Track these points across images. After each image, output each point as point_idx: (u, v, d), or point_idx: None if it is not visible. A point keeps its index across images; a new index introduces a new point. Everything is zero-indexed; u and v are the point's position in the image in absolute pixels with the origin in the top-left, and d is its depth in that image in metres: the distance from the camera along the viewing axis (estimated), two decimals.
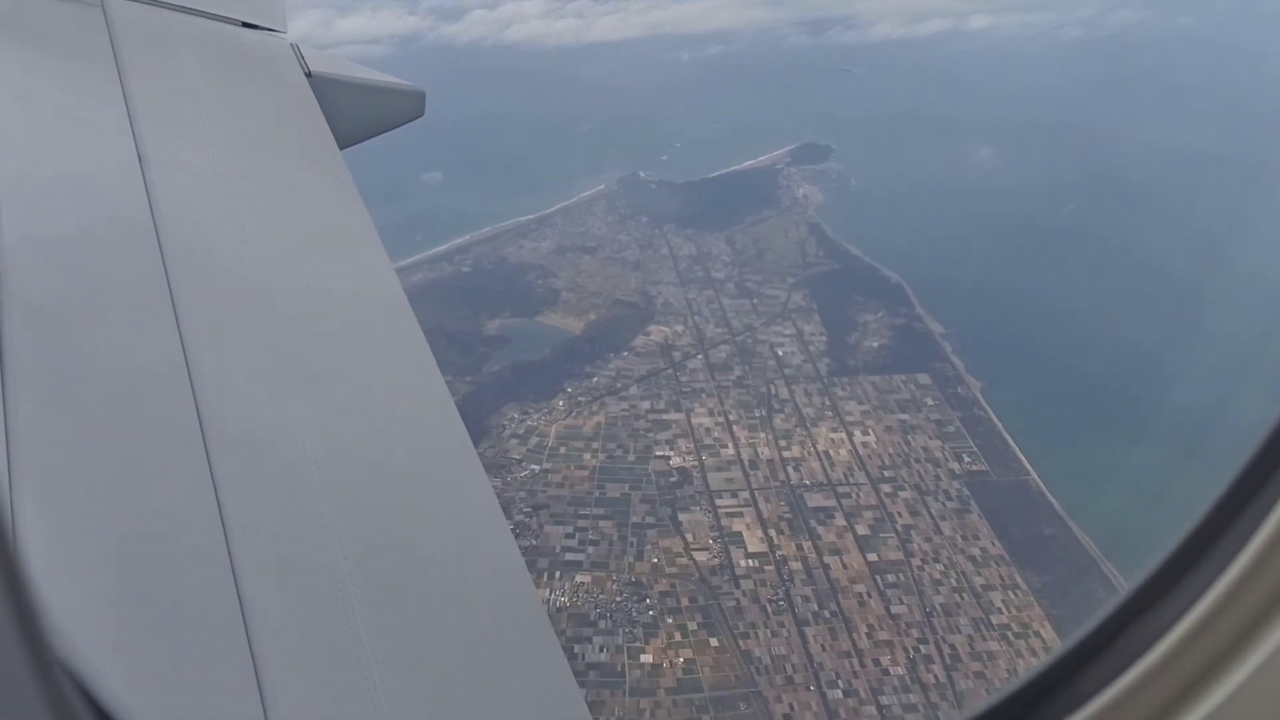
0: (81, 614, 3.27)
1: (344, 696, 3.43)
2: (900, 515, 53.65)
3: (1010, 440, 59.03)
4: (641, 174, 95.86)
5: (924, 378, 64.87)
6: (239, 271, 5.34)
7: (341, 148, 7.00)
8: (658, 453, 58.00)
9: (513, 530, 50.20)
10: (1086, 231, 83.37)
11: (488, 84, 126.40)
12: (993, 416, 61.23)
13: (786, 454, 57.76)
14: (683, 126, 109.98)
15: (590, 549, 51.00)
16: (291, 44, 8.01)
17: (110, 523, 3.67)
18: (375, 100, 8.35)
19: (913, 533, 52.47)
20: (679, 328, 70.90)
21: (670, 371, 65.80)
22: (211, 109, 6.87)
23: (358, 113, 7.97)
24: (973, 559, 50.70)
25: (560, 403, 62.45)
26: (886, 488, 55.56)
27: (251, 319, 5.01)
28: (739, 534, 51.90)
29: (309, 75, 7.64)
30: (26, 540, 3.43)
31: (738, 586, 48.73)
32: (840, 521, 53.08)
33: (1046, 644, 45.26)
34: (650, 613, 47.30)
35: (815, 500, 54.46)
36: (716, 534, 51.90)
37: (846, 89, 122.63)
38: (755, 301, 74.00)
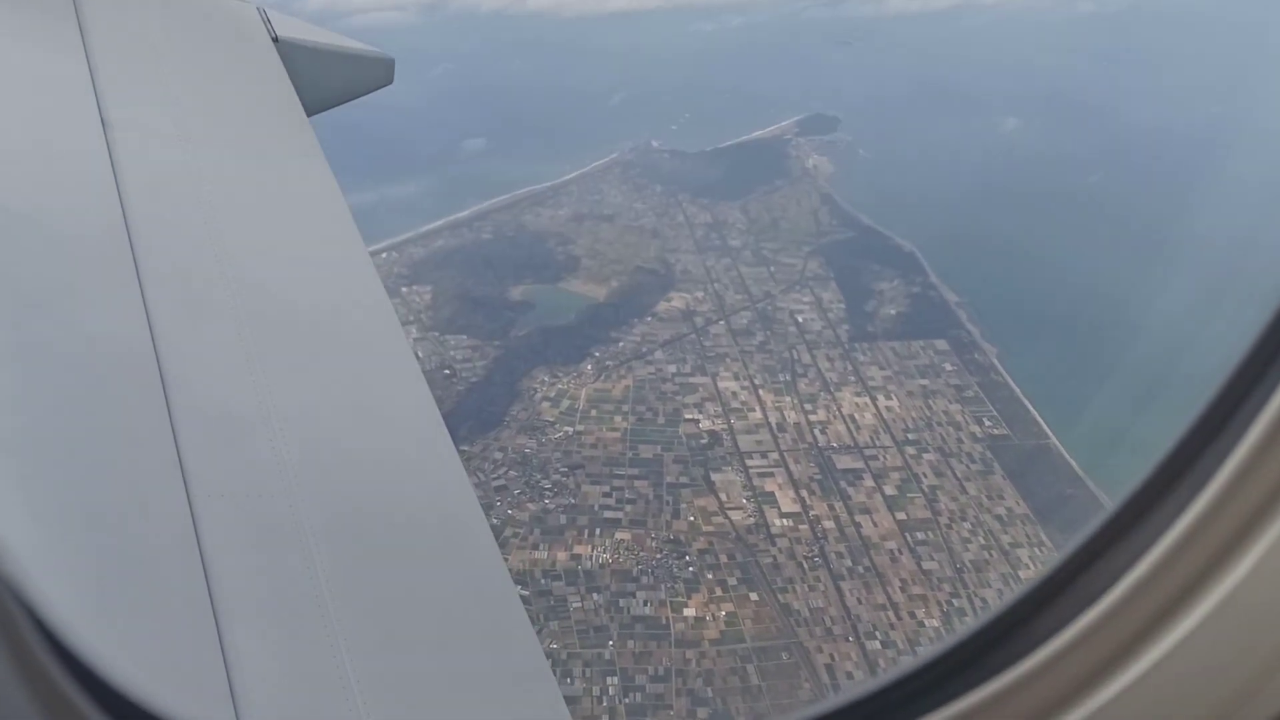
0: (47, 583, 3.03)
1: (308, 661, 3.48)
2: (926, 476, 55.23)
3: (1029, 405, 60.55)
4: (654, 143, 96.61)
5: (942, 344, 66.30)
6: (204, 238, 5.30)
7: (310, 114, 6.97)
8: (687, 415, 59.26)
9: (550, 489, 51.98)
10: (1108, 202, 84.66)
11: (518, 52, 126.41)
12: (1010, 382, 62.72)
13: (813, 417, 59.15)
14: (693, 97, 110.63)
15: (628, 507, 52.32)
16: (258, 8, 7.85)
17: (73, 490, 3.68)
18: (343, 66, 8.24)
19: (939, 493, 54.06)
20: (699, 294, 72.01)
21: (694, 337, 66.98)
22: (176, 72, 6.81)
23: (326, 79, 7.83)
24: (999, 518, 52.37)
25: (588, 367, 63.56)
26: (911, 450, 57.08)
27: (216, 286, 5.02)
28: (771, 494, 53.34)
29: (275, 40, 7.50)
30: None
31: (773, 544, 50.20)
32: (869, 482, 54.60)
33: None
34: (690, 568, 48.71)
35: (843, 462, 55.93)
36: (749, 494, 53.31)
37: (857, 61, 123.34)
38: (772, 269, 75.14)
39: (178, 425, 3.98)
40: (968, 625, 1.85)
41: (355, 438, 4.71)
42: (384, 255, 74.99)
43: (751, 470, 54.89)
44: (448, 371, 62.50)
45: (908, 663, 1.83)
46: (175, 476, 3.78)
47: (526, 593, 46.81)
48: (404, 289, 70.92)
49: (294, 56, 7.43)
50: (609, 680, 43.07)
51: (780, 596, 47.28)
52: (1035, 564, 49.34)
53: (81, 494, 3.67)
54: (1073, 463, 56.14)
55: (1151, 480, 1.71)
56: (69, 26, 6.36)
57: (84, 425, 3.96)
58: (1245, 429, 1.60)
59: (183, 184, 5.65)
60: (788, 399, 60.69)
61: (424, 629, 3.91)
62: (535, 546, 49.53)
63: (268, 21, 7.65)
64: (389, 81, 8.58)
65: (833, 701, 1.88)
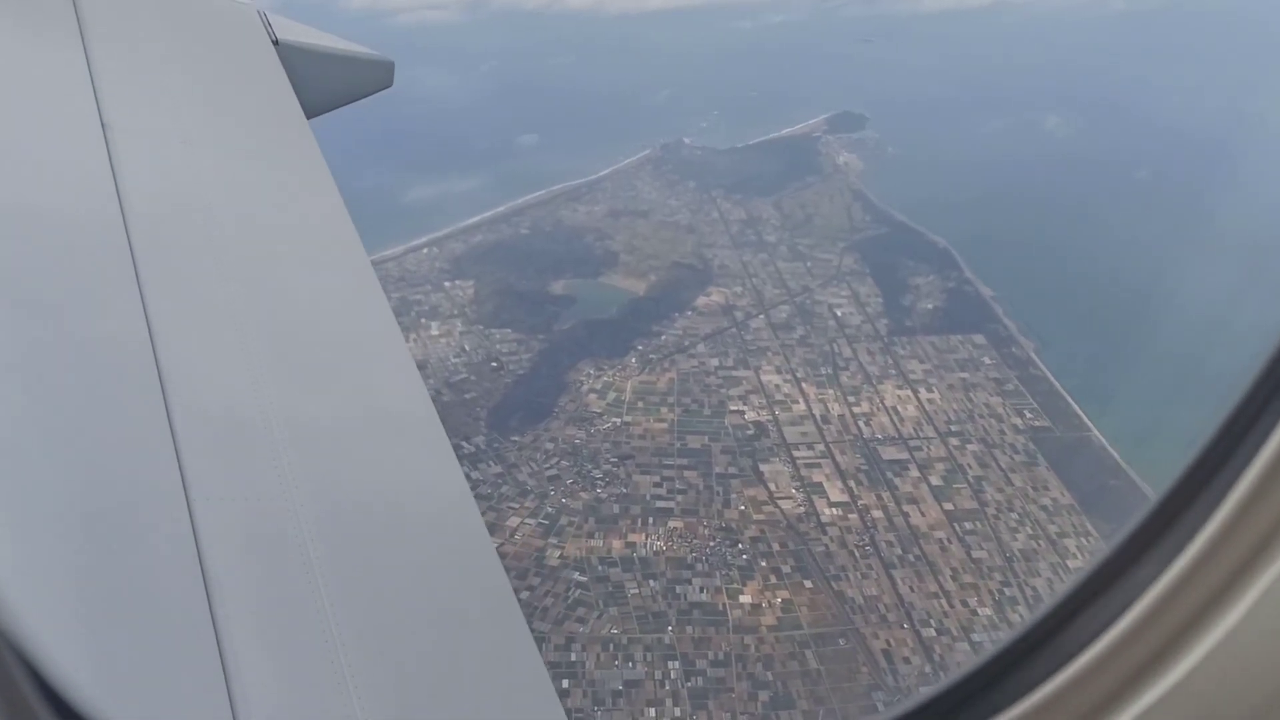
0: (45, 587, 3.34)
1: (307, 667, 3.49)
2: (971, 467, 55.99)
3: (1068, 397, 61.27)
4: (686, 140, 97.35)
5: (979, 338, 67.05)
6: (203, 241, 5.30)
7: (309, 116, 6.96)
8: (732, 408, 60.04)
9: (602, 479, 52.78)
10: (1152, 197, 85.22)
11: (560, 50, 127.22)
12: (1049, 375, 63.44)
13: (856, 409, 59.94)
14: (723, 94, 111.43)
15: (679, 497, 53.09)
16: (258, 11, 7.80)
17: (72, 494, 3.68)
18: (343, 69, 8.18)
19: (984, 483, 54.82)
20: (738, 289, 72.78)
21: (734, 330, 67.75)
22: (177, 74, 6.81)
23: (325, 81, 7.79)
24: (1045, 508, 53.09)
25: (633, 359, 64.34)
26: (955, 441, 57.87)
27: (215, 289, 5.01)
28: (819, 484, 54.12)
29: (276, 43, 7.47)
30: None
31: (824, 533, 50.97)
32: (914, 473, 55.37)
33: None
34: (744, 556, 49.47)
35: (889, 453, 56.70)
36: (798, 483, 54.07)
37: (887, 58, 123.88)
38: (809, 265, 75.92)
39: (177, 429, 4.00)
40: (997, 641, 1.91)
41: (354, 441, 4.75)
42: (425, 250, 75.97)
43: (798, 461, 55.67)
44: (495, 364, 63.34)
45: (940, 681, 1.89)
46: (175, 480, 3.80)
47: (584, 579, 47.66)
48: (446, 283, 71.83)
49: (294, 59, 7.42)
50: (670, 665, 43.77)
51: (834, 584, 47.98)
52: (1083, 553, 50.05)
53: (80, 498, 3.69)
54: (1114, 454, 56.88)
55: (1178, 488, 1.73)
56: (69, 28, 6.33)
57: (83, 429, 3.98)
58: (1262, 444, 1.61)
59: (182, 187, 5.65)
60: (830, 391, 61.46)
61: (422, 634, 3.96)
62: (590, 535, 50.28)
63: (268, 24, 7.64)
64: (389, 84, 8.51)
65: None
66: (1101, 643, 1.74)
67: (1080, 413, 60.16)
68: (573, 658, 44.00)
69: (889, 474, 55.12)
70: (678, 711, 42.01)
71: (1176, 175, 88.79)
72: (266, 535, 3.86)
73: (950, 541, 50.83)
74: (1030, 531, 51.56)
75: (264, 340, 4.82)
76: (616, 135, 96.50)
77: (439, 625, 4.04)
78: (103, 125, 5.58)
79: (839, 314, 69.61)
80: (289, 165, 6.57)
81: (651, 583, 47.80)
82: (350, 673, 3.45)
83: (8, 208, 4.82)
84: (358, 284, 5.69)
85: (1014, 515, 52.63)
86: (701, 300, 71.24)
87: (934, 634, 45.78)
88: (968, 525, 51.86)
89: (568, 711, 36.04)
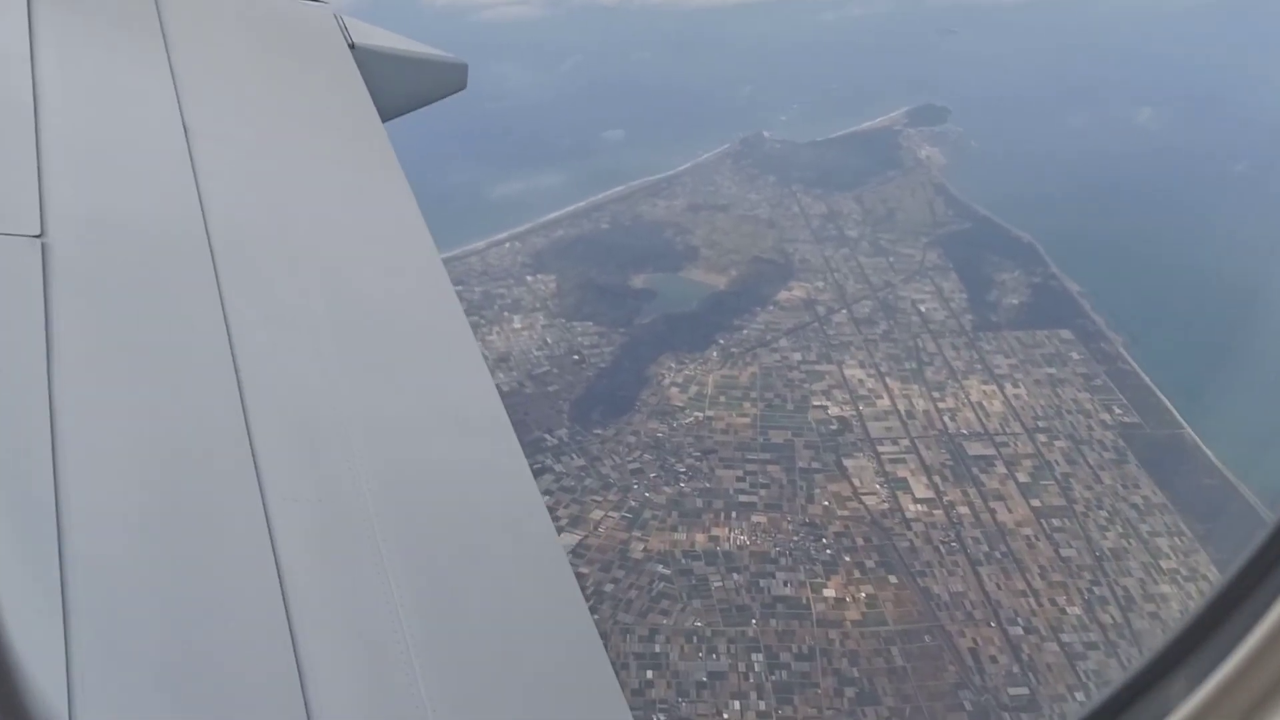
0: (123, 586, 3.42)
1: (380, 668, 3.54)
2: (1058, 464, 55.21)
3: (1159, 393, 60.12)
4: (765, 134, 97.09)
5: (1066, 333, 66.06)
6: (281, 244, 5.42)
7: (385, 119, 6.99)
8: (815, 402, 59.84)
9: (685, 473, 52.95)
10: (1250, 192, 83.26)
11: (643, 45, 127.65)
12: (1139, 370, 62.31)
13: (941, 405, 59.40)
14: (804, 88, 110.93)
15: (762, 491, 53.08)
16: (335, 14, 7.83)
17: (149, 494, 3.78)
18: (418, 72, 8.24)
19: (1072, 480, 54.02)
20: (819, 284, 72.47)
21: (816, 325, 67.48)
22: (255, 80, 6.94)
23: (400, 85, 7.84)
24: (1135, 506, 52.17)
25: (714, 354, 64.41)
26: (1042, 437, 57.10)
27: (292, 291, 5.11)
28: (904, 479, 53.74)
29: (352, 46, 7.51)
30: (70, 517, 3.46)
31: (909, 528, 50.61)
32: (1001, 469, 54.74)
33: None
34: (828, 551, 49.32)
35: (974, 449, 56.12)
36: (882, 479, 53.76)
37: (972, 50, 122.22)
38: (891, 260, 75.35)
39: (253, 430, 4.09)
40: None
41: (426, 442, 4.80)
42: (507, 245, 76.74)
43: (883, 456, 55.34)
44: (576, 357, 63.83)
45: None
46: (251, 481, 3.88)
47: (668, 571, 47.88)
48: (529, 277, 72.50)
49: (370, 62, 7.44)
50: (754, 657, 43.82)
51: (919, 580, 47.65)
52: (1175, 553, 49.19)
53: (157, 497, 3.78)
54: (1209, 452, 55.68)
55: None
56: (151, 30, 6.40)
57: (161, 430, 4.07)
58: None
59: (261, 191, 5.75)
60: (915, 387, 60.99)
61: (490, 633, 3.98)
62: (674, 528, 50.47)
63: (344, 28, 7.66)
64: (462, 86, 8.53)
65: None
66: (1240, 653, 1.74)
67: (1172, 409, 58.99)
68: (657, 649, 44.23)
69: (975, 470, 54.57)
70: (762, 705, 42.04)
71: (1278, 168, 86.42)
72: (340, 536, 3.93)
73: (1038, 539, 50.20)
74: (1120, 530, 50.71)
75: (338, 342, 4.94)
76: (696, 130, 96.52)
77: (507, 625, 4.07)
78: (185, 129, 5.68)
79: (922, 309, 69.02)
80: (364, 169, 6.63)
81: (735, 576, 47.88)
82: (421, 672, 3.50)
83: (92, 212, 4.95)
84: (430, 286, 5.76)
85: (1103, 513, 51.83)
86: (783, 295, 71.05)
87: (1021, 633, 45.26)
88: (1056, 522, 51.19)
89: (652, 703, 36.26)
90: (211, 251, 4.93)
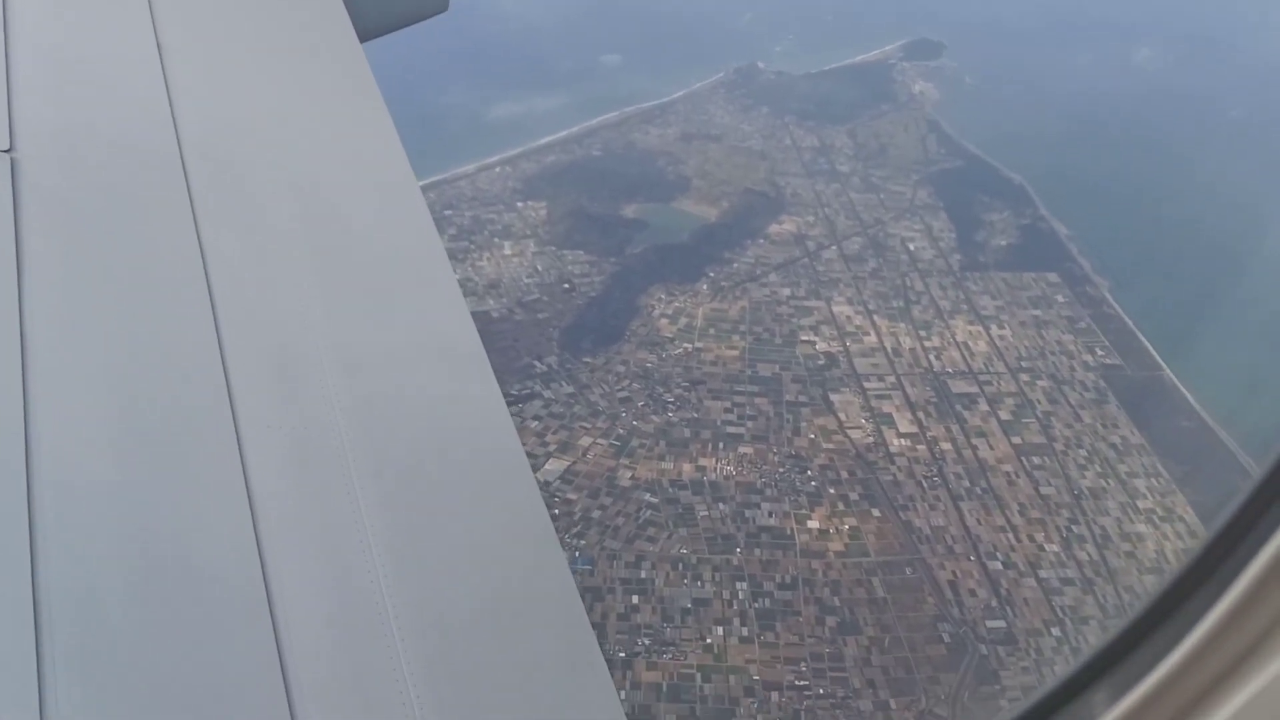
0: (93, 509, 3.40)
1: (348, 590, 3.55)
2: (1040, 402, 56.03)
3: (1141, 337, 60.85)
4: (760, 64, 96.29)
5: (1053, 276, 66.54)
6: (255, 166, 5.34)
7: (362, 40, 6.88)
8: (803, 338, 60.29)
9: (673, 403, 53.46)
10: (1245, 138, 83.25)
11: None
12: (1122, 314, 62.97)
13: (927, 343, 59.98)
14: (799, 18, 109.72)
15: (749, 423, 53.68)
16: None
17: (124, 417, 3.74)
18: None
19: (1053, 419, 54.88)
20: (810, 218, 72.52)
21: (806, 261, 67.71)
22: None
23: (379, 5, 7.71)
24: (1114, 446, 53.09)
25: (704, 286, 64.62)
26: (1025, 377, 57.83)
27: (267, 215, 5.03)
28: (889, 415, 54.45)
29: None
30: (39, 438, 3.44)
31: (893, 463, 51.39)
32: (984, 407, 55.51)
33: (1191, 529, 47.74)
34: (812, 483, 50.07)
35: (958, 386, 56.81)
36: (868, 414, 54.44)
37: None
38: (882, 196, 75.38)
39: (226, 352, 4.07)
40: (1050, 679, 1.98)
41: (400, 370, 4.77)
42: (498, 169, 76.23)
43: (869, 392, 55.96)
44: (567, 285, 63.91)
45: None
46: (224, 405, 3.86)
47: (655, 500, 48.56)
48: (519, 203, 72.22)
49: None
50: (738, 585, 44.67)
51: (901, 514, 48.52)
52: (1152, 494, 50.14)
53: (128, 418, 3.75)
54: (1187, 395, 56.56)
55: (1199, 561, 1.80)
56: None
57: (132, 350, 4.03)
58: None
59: (235, 111, 5.67)
60: (902, 325, 61.50)
61: (460, 560, 3.98)
62: (661, 457, 51.06)
63: None
64: (444, 8, 8.41)
65: None
66: (1163, 668, 1.80)
67: (1153, 352, 59.76)
68: (643, 575, 45.01)
69: (958, 407, 55.32)
70: (745, 631, 42.98)
71: (1274, 115, 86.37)
72: (312, 464, 3.91)
73: (1018, 476, 51.11)
74: (1099, 469, 51.64)
75: (313, 267, 4.89)
76: (693, 57, 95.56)
77: (476, 555, 4.08)
78: (158, 46, 5.59)
79: (911, 248, 69.31)
80: (340, 90, 6.54)
81: (721, 506, 48.60)
82: (390, 601, 3.52)
83: (64, 128, 4.89)
84: (407, 212, 5.68)
85: (1083, 452, 52.75)
86: (774, 228, 71.14)
87: (1000, 568, 46.22)
88: (1036, 460, 52.08)
89: (637, 628, 37.05)
90: (185, 171, 4.90)
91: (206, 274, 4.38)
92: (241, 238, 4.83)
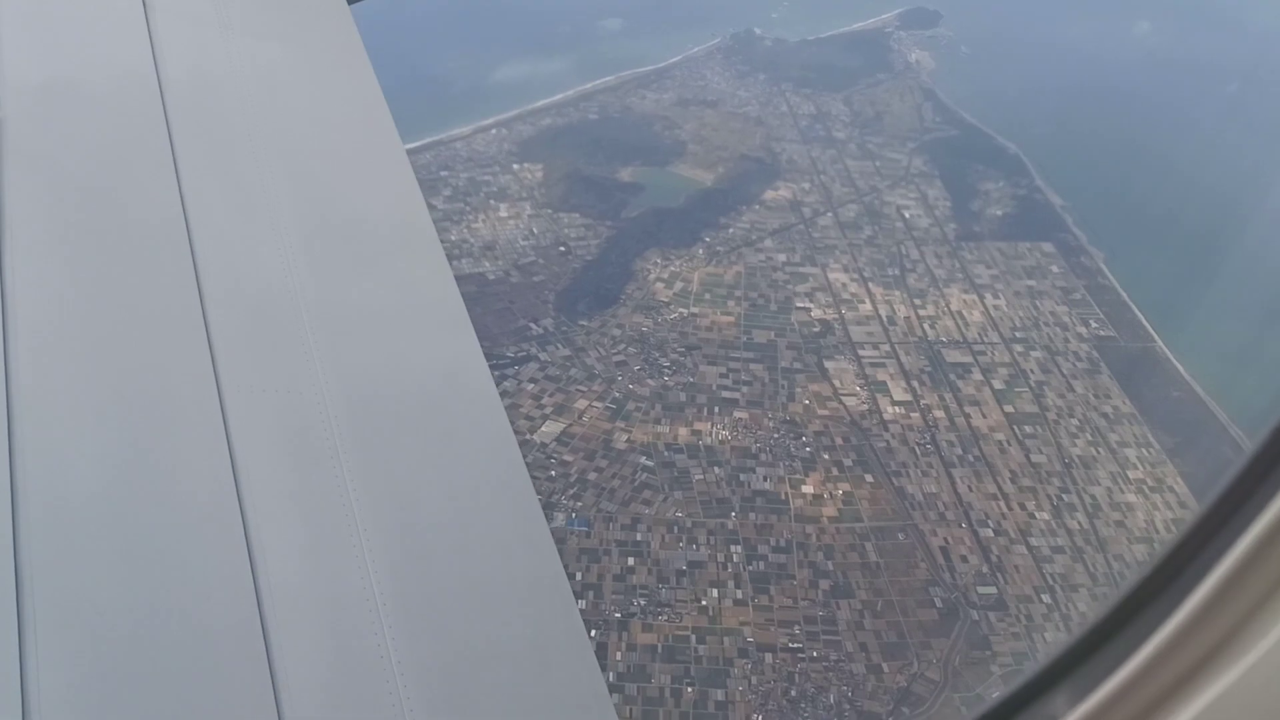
0: (76, 471, 3.39)
1: (329, 548, 3.54)
2: (1033, 372, 56.38)
3: (1135, 309, 61.20)
4: (756, 30, 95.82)
5: (1048, 246, 66.76)
6: (239, 124, 5.29)
7: (351, 1, 6.85)
8: (798, 304, 60.46)
9: (669, 367, 53.61)
10: (1240, 113, 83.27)
11: None
12: (1117, 286, 63.29)
13: (922, 312, 60.22)
14: None
15: (744, 388, 53.93)
16: None
17: (104, 375, 3.72)
18: None
19: (1046, 389, 55.26)
20: (805, 185, 72.49)
21: (801, 227, 67.74)
22: None
23: None
24: (1105, 416, 53.54)
25: (700, 251, 64.67)
26: (1019, 347, 58.16)
27: (249, 173, 5.00)
28: (883, 382, 54.73)
29: None
30: (19, 395, 3.42)
31: (886, 430, 51.75)
32: (977, 376, 55.82)
33: (1181, 499, 48.21)
34: (807, 449, 50.38)
35: (952, 356, 57.09)
36: (862, 381, 54.72)
37: None
38: (878, 164, 75.38)
39: (208, 310, 4.06)
40: (1027, 669, 1.98)
41: (386, 333, 4.75)
42: (493, 131, 75.88)
43: (863, 359, 56.22)
44: (563, 248, 63.85)
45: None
46: (205, 364, 3.85)
47: (651, 463, 48.80)
48: (515, 166, 71.98)
49: None
50: (733, 549, 45.01)
51: (894, 480, 48.89)
52: (1143, 464, 50.61)
53: (108, 376, 3.72)
54: (1179, 366, 56.97)
55: (1199, 526, 1.81)
56: None
57: (118, 312, 4.00)
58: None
59: (220, 69, 5.60)
60: (897, 293, 61.69)
61: (440, 514, 4.00)
62: (657, 421, 51.27)
63: None
64: None
65: None
66: (1125, 670, 1.82)
67: (1146, 324, 60.14)
68: (639, 538, 45.30)
69: (952, 376, 55.64)
70: (739, 594, 43.35)
71: (1273, 91, 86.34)
72: (295, 424, 3.90)
73: (1010, 444, 51.52)
74: (1090, 438, 52.08)
75: (295, 225, 4.83)
76: (690, 21, 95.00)
77: (459, 518, 4.09)
78: (143, 4, 5.55)
79: (907, 216, 69.40)
80: (326, 50, 6.50)
81: (716, 470, 48.87)
82: (371, 564, 3.52)
83: (48, 86, 4.85)
84: (390, 171, 5.68)
85: (1074, 421, 53.17)
86: (769, 194, 71.11)
87: (991, 535, 46.67)
88: (1028, 429, 52.48)
89: (632, 589, 37.32)
90: (169, 130, 4.89)
91: (189, 234, 4.35)
92: (225, 198, 4.81)
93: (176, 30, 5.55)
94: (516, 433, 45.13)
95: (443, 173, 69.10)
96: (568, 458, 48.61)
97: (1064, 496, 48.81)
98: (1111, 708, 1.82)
